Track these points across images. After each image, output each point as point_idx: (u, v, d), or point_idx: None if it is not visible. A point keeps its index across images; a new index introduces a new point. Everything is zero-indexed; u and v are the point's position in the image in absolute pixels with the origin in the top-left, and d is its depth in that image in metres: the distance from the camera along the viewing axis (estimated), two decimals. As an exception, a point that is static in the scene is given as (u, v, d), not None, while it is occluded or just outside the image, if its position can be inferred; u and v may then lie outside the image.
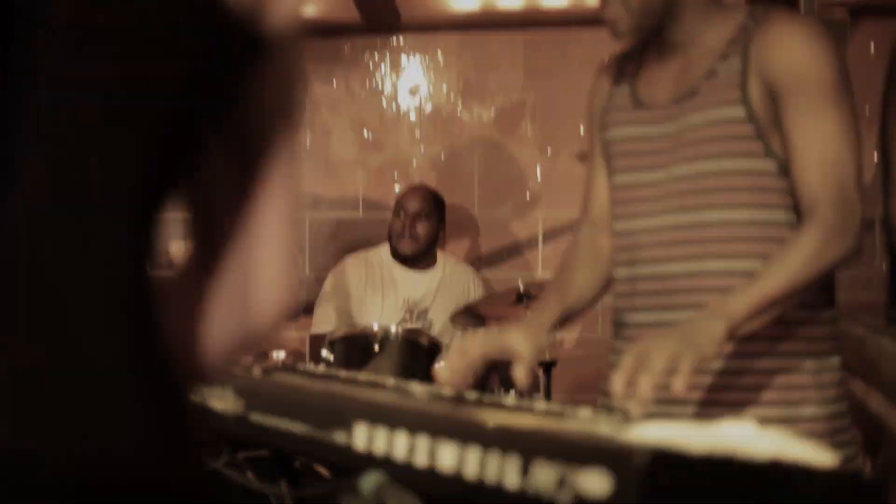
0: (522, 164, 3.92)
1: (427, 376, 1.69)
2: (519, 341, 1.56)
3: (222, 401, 1.50)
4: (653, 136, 1.67)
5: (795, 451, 1.06)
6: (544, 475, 0.92)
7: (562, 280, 1.77)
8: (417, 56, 4.05)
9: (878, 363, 1.40)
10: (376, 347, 2.80)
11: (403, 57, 4.05)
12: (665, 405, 1.57)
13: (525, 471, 0.94)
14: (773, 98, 1.56)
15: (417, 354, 2.83)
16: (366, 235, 3.83)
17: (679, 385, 1.27)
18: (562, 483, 0.90)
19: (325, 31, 4.06)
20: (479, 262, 3.89)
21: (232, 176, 0.75)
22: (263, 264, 0.75)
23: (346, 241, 3.97)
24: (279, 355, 2.79)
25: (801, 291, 1.47)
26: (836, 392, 1.61)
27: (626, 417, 1.23)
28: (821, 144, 1.52)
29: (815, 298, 1.59)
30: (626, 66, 1.77)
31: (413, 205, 3.49)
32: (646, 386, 1.26)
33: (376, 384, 1.56)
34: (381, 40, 4.05)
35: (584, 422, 1.04)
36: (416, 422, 1.11)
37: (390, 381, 1.64)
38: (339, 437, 1.21)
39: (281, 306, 0.77)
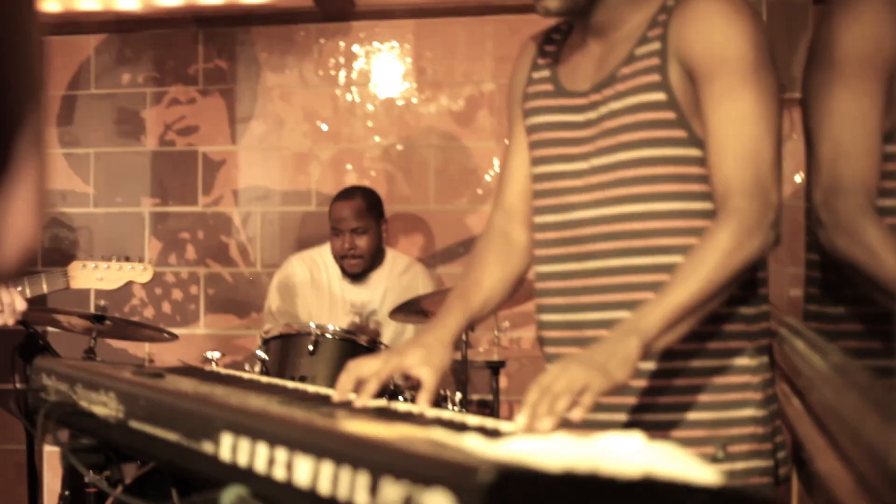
0: (479, 155, 3.82)
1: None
2: (419, 367, 1.47)
3: (105, 406, 1.44)
4: (574, 125, 1.59)
5: (676, 466, 1.00)
6: (391, 493, 0.88)
7: (468, 282, 1.66)
8: (373, 44, 3.95)
9: (796, 367, 1.32)
10: (311, 347, 2.72)
11: (358, 45, 3.94)
12: (593, 412, 1.50)
13: (374, 488, 0.90)
14: (693, 81, 1.48)
15: (356, 354, 2.75)
16: (319, 229, 3.72)
17: (577, 416, 1.23)
18: (407, 502, 0.86)
19: (277, 17, 3.95)
20: (433, 258, 3.79)
21: None
22: (12, 217, 0.87)
23: (298, 235, 3.88)
24: (213, 356, 2.71)
25: (719, 294, 1.39)
26: (773, 391, 1.55)
27: (503, 432, 1.17)
28: (736, 128, 1.43)
29: (742, 293, 1.52)
30: (548, 49, 1.69)
31: (348, 222, 3.33)
32: (547, 428, 1.21)
33: (265, 388, 1.49)
34: (335, 27, 3.94)
35: (447, 436, 0.99)
36: (278, 433, 1.07)
37: (287, 385, 1.58)
38: (207, 446, 1.17)
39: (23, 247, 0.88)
